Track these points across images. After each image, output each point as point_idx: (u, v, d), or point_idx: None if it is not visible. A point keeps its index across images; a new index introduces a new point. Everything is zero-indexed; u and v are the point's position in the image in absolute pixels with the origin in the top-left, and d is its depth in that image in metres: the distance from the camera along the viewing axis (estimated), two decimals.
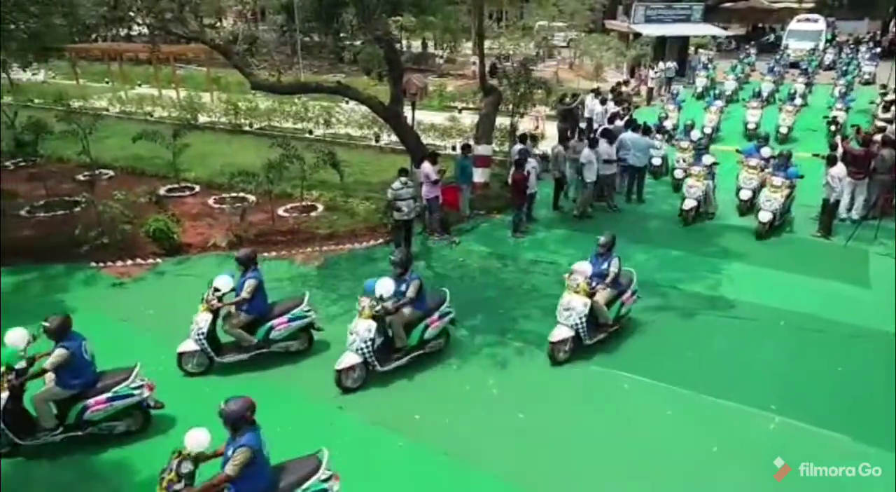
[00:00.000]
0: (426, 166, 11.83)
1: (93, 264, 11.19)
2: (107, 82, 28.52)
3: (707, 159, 13.21)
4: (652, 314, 9.54)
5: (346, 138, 19.41)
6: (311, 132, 19.85)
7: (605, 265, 8.66)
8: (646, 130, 14.67)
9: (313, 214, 13.45)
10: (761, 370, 8.23)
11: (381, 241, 12.24)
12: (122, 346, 8.14)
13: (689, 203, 12.86)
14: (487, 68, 16.05)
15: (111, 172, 16.10)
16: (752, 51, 35.74)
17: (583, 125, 17.85)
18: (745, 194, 13.30)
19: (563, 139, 14.59)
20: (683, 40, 32.07)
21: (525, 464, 6.68)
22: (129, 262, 11.36)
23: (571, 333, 8.23)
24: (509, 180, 12.67)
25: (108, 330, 9.10)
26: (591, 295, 8.32)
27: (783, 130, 18.98)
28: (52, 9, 12.81)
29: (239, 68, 12.84)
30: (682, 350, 8.69)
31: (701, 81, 26.67)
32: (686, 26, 31.17)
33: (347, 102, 20.24)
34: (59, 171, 15.83)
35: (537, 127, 18.60)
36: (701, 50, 35.26)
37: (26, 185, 14.49)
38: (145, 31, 17.92)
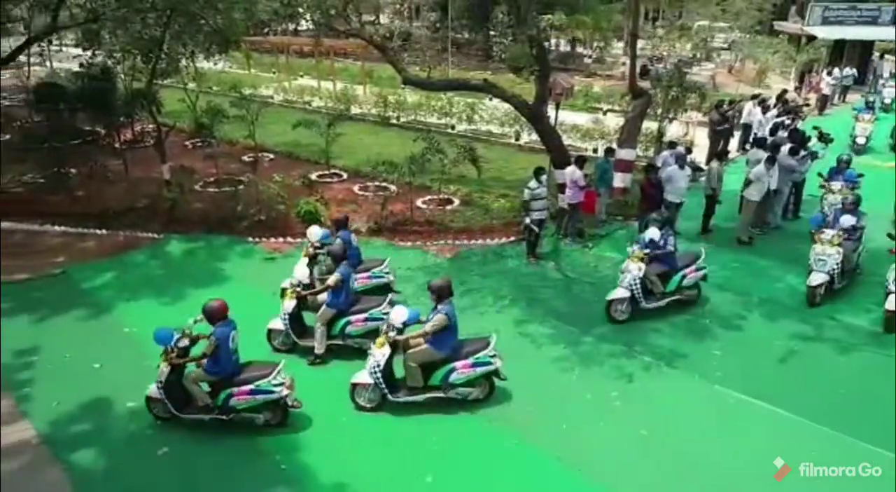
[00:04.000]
0: (574, 170, 11.60)
1: (250, 239, 12.33)
2: (273, 73, 31.01)
3: (847, 220, 10.04)
4: (801, 343, 8.76)
5: (486, 135, 19.66)
6: (453, 127, 20.32)
7: (662, 241, 9.34)
8: (803, 142, 13.33)
9: (449, 207, 13.79)
10: None
11: (512, 238, 12.28)
12: (268, 317, 8.84)
13: (818, 277, 9.64)
14: (638, 69, 15.45)
15: (272, 156, 17.57)
16: None
17: (737, 134, 16.69)
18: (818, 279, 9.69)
19: (714, 152, 13.67)
20: (866, 45, 28.82)
21: (642, 483, 6.45)
22: (281, 239, 12.36)
23: (627, 293, 9.13)
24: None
25: (259, 301, 9.99)
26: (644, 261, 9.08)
27: None
28: (235, 5, 14.22)
29: (392, 63, 13.43)
30: (833, 386, 7.90)
31: (863, 128, 18.33)
32: (871, 29, 27.95)
33: (491, 100, 20.40)
34: (229, 152, 17.53)
35: (686, 133, 17.68)
36: (887, 55, 31.46)
37: (202, 163, 16.22)
38: (311, 26, 19.34)
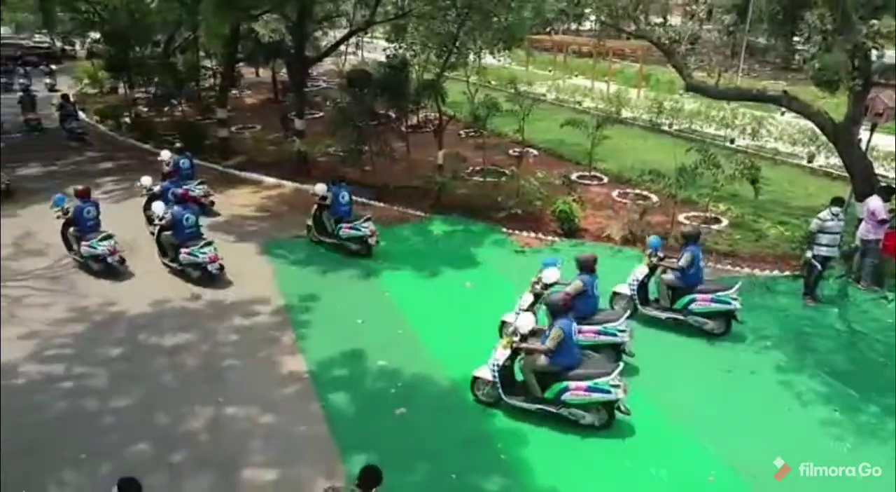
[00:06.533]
0: (874, 202, 9.81)
1: (504, 230, 12.76)
2: (549, 71, 31.64)
3: None
4: None
5: (771, 153, 17.62)
6: (732, 141, 18.58)
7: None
8: None
9: (715, 227, 12.66)
10: None
11: (787, 273, 10.81)
12: (506, 308, 9.06)
13: None
14: None
15: (536, 152, 17.95)
16: None
17: None
18: None
19: None
20: None
21: None
22: (532, 234, 12.57)
23: None
24: None
25: (501, 289, 10.32)
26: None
27: None
28: (526, 4, 14.73)
29: (677, 68, 12.67)
30: None
31: None
32: None
33: (783, 114, 18.25)
34: (497, 144, 18.34)
35: None
36: None
37: (472, 152, 17.23)
38: (595, 26, 19.18)
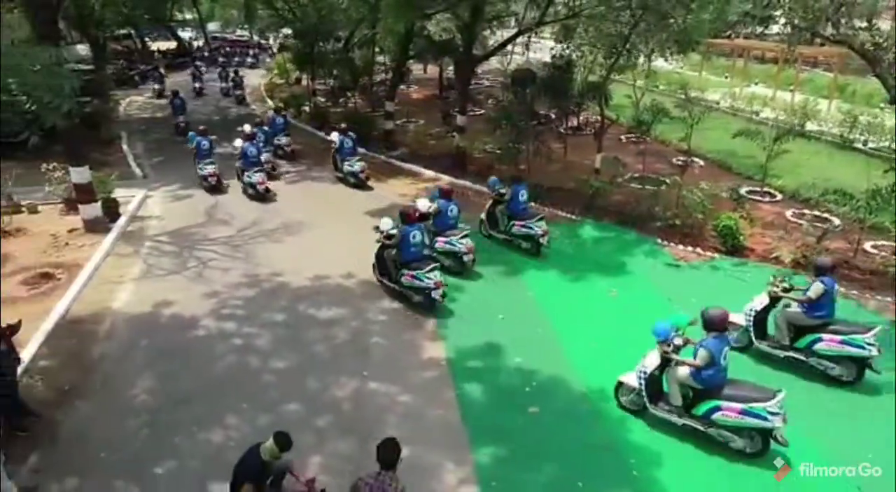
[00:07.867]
0: None
1: (658, 240, 12.20)
2: (725, 77, 29.51)
3: None
4: None
5: None
6: None
7: None
8: None
9: None
10: None
11: None
12: (654, 320, 8.64)
13: None
14: None
15: (702, 162, 16.88)
16: None
17: None
18: None
19: None
20: None
21: None
22: (690, 248, 11.87)
23: None
24: None
25: (650, 301, 9.89)
26: None
27: None
28: (707, 5, 13.88)
29: (882, 78, 11.25)
30: None
31: None
32: None
33: None
34: (659, 151, 17.52)
35: None
36: None
37: (631, 157, 16.62)
38: (781, 30, 17.43)
